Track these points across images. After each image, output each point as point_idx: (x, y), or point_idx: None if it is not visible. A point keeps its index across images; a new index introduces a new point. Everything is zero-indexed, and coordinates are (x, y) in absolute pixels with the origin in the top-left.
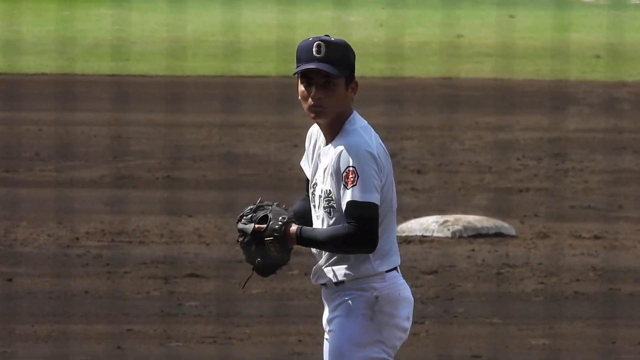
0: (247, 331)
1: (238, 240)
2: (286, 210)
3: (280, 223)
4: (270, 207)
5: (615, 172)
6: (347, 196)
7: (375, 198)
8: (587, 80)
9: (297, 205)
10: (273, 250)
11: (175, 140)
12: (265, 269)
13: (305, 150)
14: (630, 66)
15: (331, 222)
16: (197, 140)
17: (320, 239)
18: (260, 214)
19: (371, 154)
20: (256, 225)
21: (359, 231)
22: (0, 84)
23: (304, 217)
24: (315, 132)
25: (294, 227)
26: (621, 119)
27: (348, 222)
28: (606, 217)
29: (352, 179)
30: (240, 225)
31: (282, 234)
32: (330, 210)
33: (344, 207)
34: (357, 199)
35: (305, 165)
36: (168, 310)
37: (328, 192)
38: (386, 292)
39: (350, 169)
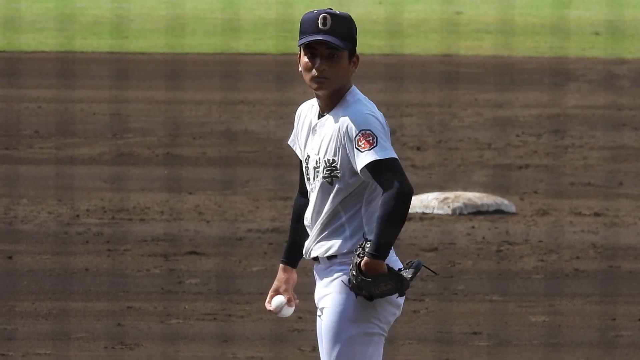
0: (247, 308)
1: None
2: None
3: (354, 272)
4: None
5: (615, 149)
6: (368, 158)
7: (394, 154)
8: (587, 57)
9: (297, 204)
10: (382, 289)
11: (175, 118)
12: (400, 288)
13: (294, 127)
14: (629, 43)
15: (332, 191)
16: (196, 117)
17: (385, 232)
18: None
19: (379, 121)
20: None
21: (397, 183)
22: (0, 61)
23: (303, 214)
24: (304, 110)
25: (363, 262)
26: (621, 95)
27: (381, 184)
28: (606, 194)
29: (369, 141)
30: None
31: (361, 282)
32: (332, 179)
33: (360, 169)
34: (379, 157)
35: (295, 144)
36: (168, 287)
37: (330, 161)
38: None
39: (363, 132)
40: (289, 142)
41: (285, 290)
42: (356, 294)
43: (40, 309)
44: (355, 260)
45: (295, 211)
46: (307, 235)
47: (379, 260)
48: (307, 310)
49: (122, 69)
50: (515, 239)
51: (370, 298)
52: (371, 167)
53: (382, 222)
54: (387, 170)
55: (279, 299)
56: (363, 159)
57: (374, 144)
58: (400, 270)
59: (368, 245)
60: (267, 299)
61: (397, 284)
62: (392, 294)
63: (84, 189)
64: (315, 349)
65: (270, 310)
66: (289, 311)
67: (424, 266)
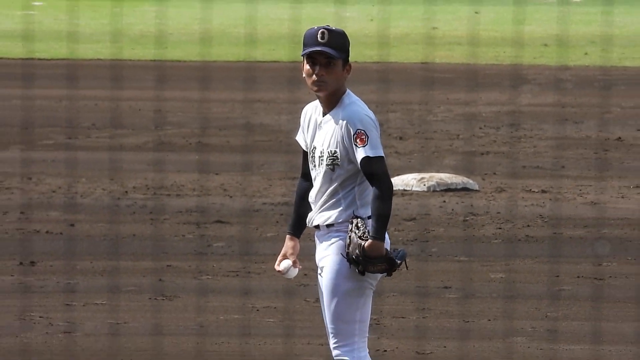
0: (263, 267)
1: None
2: (363, 232)
3: (357, 252)
4: (356, 237)
5: (559, 139)
6: (362, 153)
7: (381, 152)
8: (537, 64)
9: (300, 186)
10: (377, 268)
11: (205, 113)
12: (390, 270)
13: (300, 125)
14: (572, 53)
15: (334, 176)
16: (222, 113)
17: (379, 218)
18: (350, 249)
19: (372, 120)
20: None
21: (380, 181)
22: (63, 67)
23: (305, 194)
24: (309, 110)
25: (367, 244)
26: (564, 96)
27: (370, 181)
28: (551, 175)
29: (362, 140)
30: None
31: (364, 259)
32: (333, 167)
33: (359, 162)
34: (370, 154)
35: (300, 138)
36: (199, 250)
37: (333, 152)
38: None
39: (360, 130)
40: (296, 138)
41: (292, 255)
42: (350, 264)
43: (96, 267)
44: (359, 241)
45: (298, 192)
46: (309, 211)
47: (381, 241)
48: (311, 268)
49: (162, 74)
50: (478, 211)
51: (362, 273)
52: (363, 161)
53: (377, 212)
54: (374, 163)
55: (287, 263)
56: (360, 153)
57: (366, 142)
58: (390, 254)
59: (359, 225)
60: (276, 262)
61: (389, 265)
62: (382, 273)
63: (131, 170)
64: (317, 300)
65: (279, 271)
66: (294, 272)
67: (404, 260)
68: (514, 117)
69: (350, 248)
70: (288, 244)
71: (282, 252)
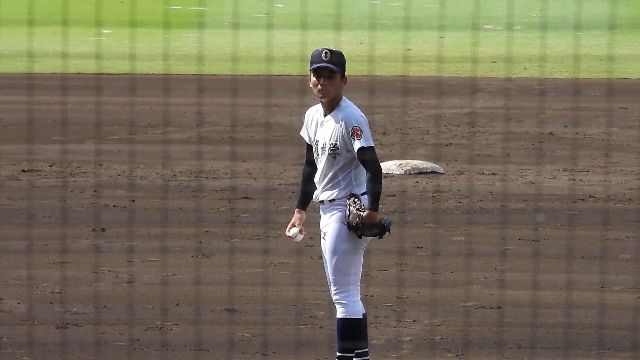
0: (279, 232)
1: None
2: (359, 206)
3: (357, 220)
4: (354, 208)
5: (505, 134)
6: (358, 145)
7: (372, 143)
8: (488, 77)
9: (305, 171)
10: (372, 232)
11: (234, 115)
12: (382, 234)
13: (304, 124)
14: (514, 68)
15: (335, 162)
16: (247, 114)
17: (374, 194)
18: (350, 218)
19: (364, 119)
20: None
21: (373, 164)
22: (126, 81)
23: (309, 177)
24: (311, 112)
25: (365, 214)
26: (509, 100)
27: (365, 166)
28: (499, 161)
29: (358, 134)
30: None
31: (363, 225)
32: (335, 155)
33: (356, 151)
34: (364, 145)
35: (305, 134)
36: (230, 219)
37: (334, 144)
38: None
39: (356, 127)
40: (300, 134)
41: (299, 224)
42: (349, 230)
43: (151, 233)
44: (357, 212)
45: (303, 175)
46: (313, 190)
47: (376, 212)
48: (316, 233)
49: (201, 85)
50: (443, 189)
51: (360, 236)
52: (359, 151)
53: (372, 190)
54: (367, 152)
55: (295, 230)
56: (357, 145)
57: (360, 136)
58: (381, 221)
59: (355, 200)
60: (287, 229)
61: (381, 230)
62: (375, 236)
63: (178, 158)
64: (320, 257)
65: (289, 236)
66: (300, 237)
67: (390, 227)
68: (471, 117)
69: (350, 218)
70: (296, 215)
71: (292, 221)
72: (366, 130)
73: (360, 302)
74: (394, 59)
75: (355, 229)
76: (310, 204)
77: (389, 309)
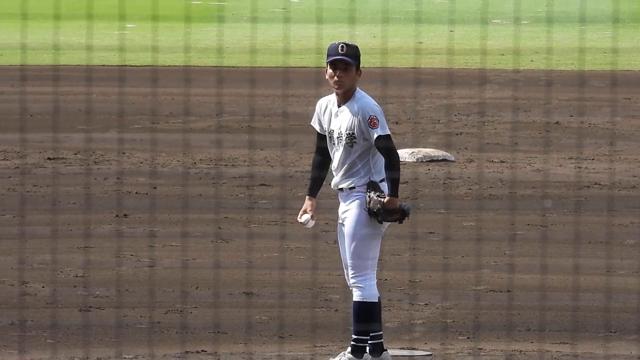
0: (295, 217)
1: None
2: (379, 193)
3: (379, 206)
4: (374, 195)
5: (513, 123)
6: (375, 134)
7: (389, 131)
8: (497, 68)
9: (315, 159)
10: (393, 218)
11: (253, 105)
12: (402, 219)
13: (315, 114)
14: (522, 60)
15: (352, 151)
16: (265, 104)
17: (393, 181)
18: (371, 205)
19: (379, 108)
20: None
21: (390, 152)
22: (148, 72)
23: (320, 165)
24: (324, 103)
25: (385, 200)
26: (517, 91)
27: (383, 154)
28: (508, 149)
29: (375, 123)
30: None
31: (384, 211)
32: (352, 144)
33: (373, 140)
34: (381, 133)
35: (316, 124)
36: (249, 205)
37: (351, 133)
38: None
39: (372, 116)
40: (311, 123)
41: (310, 210)
42: (370, 216)
43: (172, 219)
44: (378, 199)
45: (314, 164)
46: (323, 178)
47: (396, 197)
48: (331, 219)
49: (221, 77)
50: (454, 176)
51: (381, 222)
52: (377, 139)
53: (391, 177)
54: (385, 140)
55: (307, 216)
56: (374, 133)
57: (377, 125)
58: (402, 207)
59: (375, 188)
60: (298, 215)
61: (402, 216)
62: (396, 221)
63: (198, 147)
64: (335, 242)
65: (301, 223)
66: (312, 223)
67: (409, 209)
68: (480, 107)
69: (371, 204)
70: (307, 202)
71: (303, 208)
72: (382, 119)
73: (376, 286)
74: (406, 51)
75: (377, 215)
76: (322, 191)
77: (402, 292)
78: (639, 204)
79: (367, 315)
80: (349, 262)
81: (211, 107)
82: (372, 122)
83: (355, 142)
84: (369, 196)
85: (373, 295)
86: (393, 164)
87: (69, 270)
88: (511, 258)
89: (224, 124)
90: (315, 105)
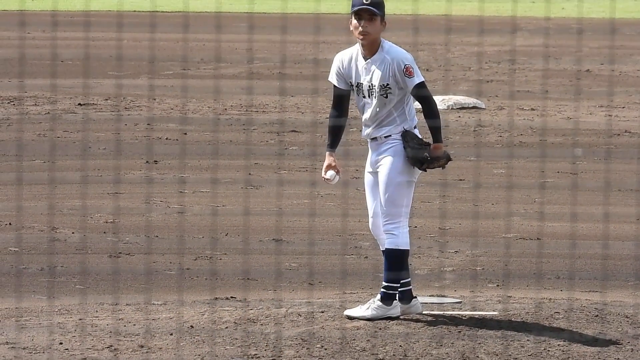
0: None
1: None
2: (423, 141)
3: (426, 155)
4: (410, 145)
5: (544, 71)
6: (413, 81)
7: (422, 77)
8: (528, 16)
9: (332, 114)
10: (439, 163)
11: (283, 51)
12: (445, 164)
13: (335, 69)
14: (553, 7)
15: (387, 101)
16: (296, 51)
17: (436, 128)
18: (411, 154)
19: (411, 56)
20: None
21: (428, 99)
22: (180, 18)
23: (338, 120)
24: (345, 57)
25: (433, 146)
26: (548, 39)
27: (421, 102)
28: (539, 97)
29: (411, 72)
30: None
31: (430, 158)
32: (387, 95)
33: (410, 88)
34: (419, 80)
35: (334, 79)
36: (279, 152)
37: (385, 85)
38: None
39: (408, 66)
40: (329, 79)
41: (334, 166)
42: (414, 165)
43: (202, 165)
44: (421, 146)
45: (332, 118)
46: (341, 133)
47: (441, 142)
48: (361, 166)
49: (252, 23)
50: (484, 123)
51: (425, 169)
52: (415, 87)
53: (433, 124)
54: (422, 88)
55: (332, 172)
56: (410, 82)
57: (414, 74)
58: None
59: (412, 136)
60: (323, 172)
61: (446, 161)
62: (441, 167)
63: (229, 93)
64: (364, 190)
65: (326, 180)
66: (337, 179)
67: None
68: (511, 55)
69: (413, 152)
70: (329, 158)
71: (326, 164)
72: (416, 67)
73: (407, 233)
74: None
75: (421, 162)
76: (352, 138)
77: (432, 239)
78: None
79: (398, 263)
80: (383, 209)
81: (242, 53)
82: (407, 71)
83: (390, 93)
84: (409, 145)
85: (405, 243)
86: (433, 111)
87: (98, 216)
88: (541, 206)
89: (255, 70)
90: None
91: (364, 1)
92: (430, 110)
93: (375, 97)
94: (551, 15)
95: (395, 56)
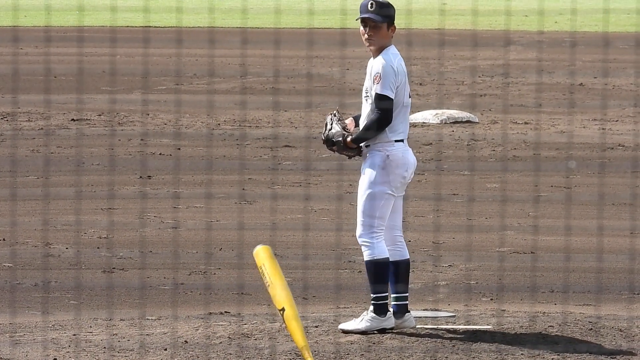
0: (319, 179)
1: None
2: (347, 130)
3: (340, 139)
4: (338, 126)
5: (537, 85)
6: (376, 90)
7: (389, 93)
8: (521, 30)
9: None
10: (343, 152)
11: (276, 66)
12: (348, 153)
13: None
14: (546, 21)
15: (369, 107)
16: (289, 66)
17: (365, 132)
18: (332, 132)
19: (391, 67)
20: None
21: (382, 114)
22: (173, 33)
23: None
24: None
25: (349, 138)
26: (541, 52)
27: (376, 110)
28: (532, 111)
29: (377, 80)
30: (324, 137)
31: (342, 145)
32: (367, 99)
33: (373, 97)
34: (380, 92)
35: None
36: (272, 166)
37: (367, 89)
38: (394, 153)
39: (377, 73)
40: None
41: (350, 123)
42: (324, 142)
43: (196, 180)
44: (342, 132)
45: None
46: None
47: (356, 144)
48: (354, 180)
49: (245, 37)
50: (478, 137)
51: (334, 151)
52: (375, 96)
53: (366, 127)
54: (382, 100)
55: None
56: (374, 90)
57: (380, 83)
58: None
59: (340, 118)
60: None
61: (355, 154)
62: (348, 157)
63: (222, 108)
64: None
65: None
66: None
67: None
68: (504, 69)
69: (330, 132)
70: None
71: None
72: (388, 79)
73: (384, 245)
74: (431, 12)
75: (332, 143)
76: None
77: (426, 253)
78: None
79: (379, 273)
80: (359, 219)
81: (235, 68)
82: (375, 79)
83: (368, 96)
84: (331, 124)
85: (382, 252)
86: (378, 120)
87: (92, 232)
88: (535, 219)
89: (248, 85)
90: (341, 66)
91: (369, 8)
92: (376, 118)
93: (364, 101)
94: (544, 29)
95: (375, 63)
